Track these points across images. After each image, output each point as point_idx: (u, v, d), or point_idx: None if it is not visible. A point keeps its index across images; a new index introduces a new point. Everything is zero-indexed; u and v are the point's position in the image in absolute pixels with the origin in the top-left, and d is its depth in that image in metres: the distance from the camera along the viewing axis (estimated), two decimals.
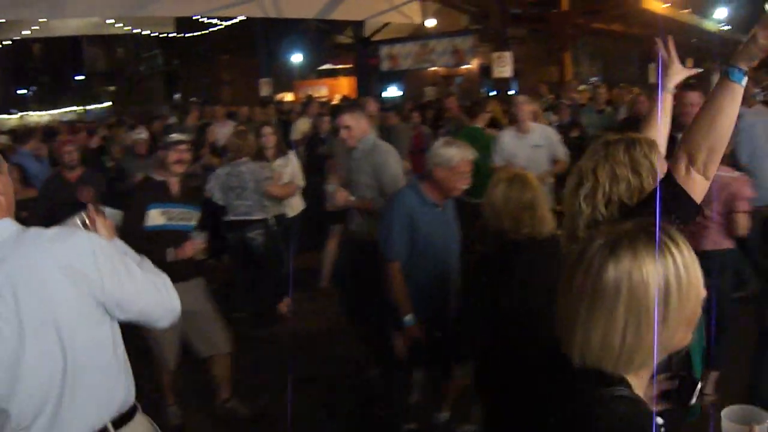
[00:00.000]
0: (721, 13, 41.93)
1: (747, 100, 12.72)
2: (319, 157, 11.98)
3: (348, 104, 15.61)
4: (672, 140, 3.63)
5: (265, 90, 29.61)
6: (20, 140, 12.45)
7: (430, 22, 29.83)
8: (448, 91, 24.32)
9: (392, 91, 39.11)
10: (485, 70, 30.25)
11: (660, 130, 3.89)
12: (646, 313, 2.02)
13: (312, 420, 7.22)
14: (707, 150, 3.01)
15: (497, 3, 23.35)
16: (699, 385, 2.58)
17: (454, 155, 5.96)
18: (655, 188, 3.14)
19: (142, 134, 10.69)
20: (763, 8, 3.07)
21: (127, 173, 9.94)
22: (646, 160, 3.33)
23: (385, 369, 7.09)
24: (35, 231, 3.23)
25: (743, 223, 6.52)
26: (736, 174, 6.79)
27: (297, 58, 39.58)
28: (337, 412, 7.48)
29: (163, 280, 3.63)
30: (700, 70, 4.25)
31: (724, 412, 2.52)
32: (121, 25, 27.66)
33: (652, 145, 3.43)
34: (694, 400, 2.55)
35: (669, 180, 3.08)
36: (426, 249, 6.14)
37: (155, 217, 6.74)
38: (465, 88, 33.98)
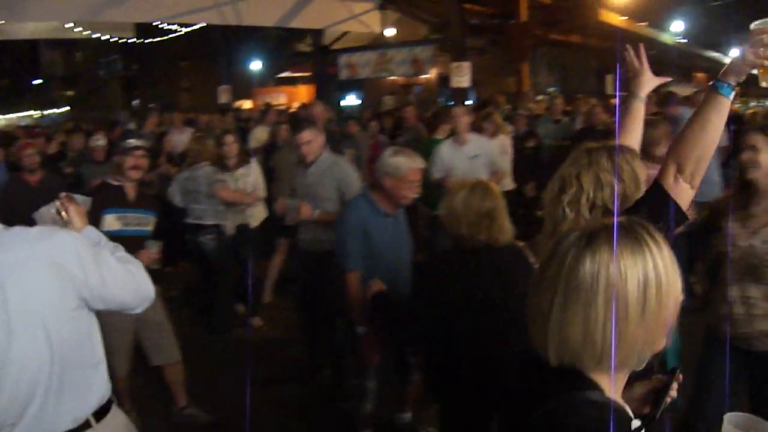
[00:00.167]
0: (678, 26, 42.35)
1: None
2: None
3: (302, 111, 15.61)
4: None
5: (224, 97, 29.57)
6: None
7: (390, 32, 29.87)
8: (406, 101, 24.39)
9: (351, 100, 39.13)
10: (444, 79, 30.34)
11: (634, 138, 3.94)
12: (626, 307, 2.00)
13: (271, 425, 7.26)
14: (695, 160, 3.08)
15: (456, 13, 23.50)
16: (677, 380, 2.60)
17: (402, 164, 6.03)
18: (643, 196, 3.23)
19: (100, 141, 10.63)
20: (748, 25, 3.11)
21: (84, 179, 9.90)
22: (629, 167, 3.43)
23: (339, 375, 7.12)
24: (19, 229, 3.32)
25: None
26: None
27: (256, 65, 39.51)
28: (297, 417, 7.55)
29: (137, 266, 3.71)
30: (670, 78, 4.30)
31: (727, 417, 2.57)
32: (81, 29, 27.47)
33: (633, 152, 3.55)
34: (674, 395, 2.58)
35: (658, 188, 3.13)
36: (379, 258, 6.16)
37: (111, 223, 6.73)
38: (423, 97, 34.06)
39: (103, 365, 3.62)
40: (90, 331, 3.52)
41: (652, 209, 3.06)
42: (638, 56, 4.02)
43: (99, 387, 3.55)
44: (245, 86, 37.03)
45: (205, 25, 26.92)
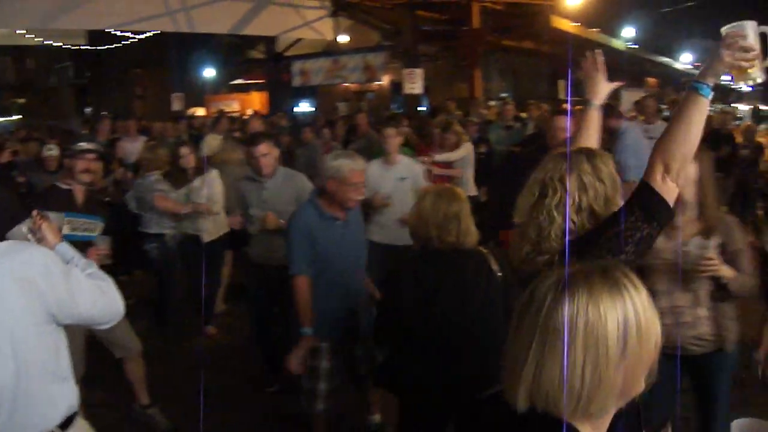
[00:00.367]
0: (629, 32, 42.74)
1: (649, 117, 13.13)
2: None
3: (254, 122, 15.56)
4: None
5: (176, 105, 29.44)
6: None
7: (343, 39, 29.89)
8: (358, 107, 24.45)
9: (304, 107, 39.12)
10: (396, 86, 30.41)
11: (591, 145, 3.98)
12: (605, 350, 1.98)
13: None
14: (681, 159, 3.17)
15: (409, 20, 23.61)
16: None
17: (343, 166, 6.08)
18: (633, 197, 3.26)
19: (52, 150, 10.58)
20: (720, 31, 3.19)
21: (36, 188, 9.86)
22: (606, 168, 3.48)
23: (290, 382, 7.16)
24: None
25: None
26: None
27: (209, 72, 39.36)
28: (253, 423, 7.63)
29: (108, 283, 3.77)
30: (623, 83, 4.39)
31: (734, 424, 2.64)
32: (32, 36, 27.26)
33: (606, 154, 3.60)
34: None
35: (647, 188, 3.20)
36: (327, 262, 6.23)
37: (59, 225, 6.69)
38: (376, 104, 34.13)
39: (71, 379, 3.66)
40: (57, 345, 3.56)
41: (645, 209, 3.17)
42: (595, 62, 4.11)
43: (65, 400, 3.59)
44: (198, 93, 36.87)
45: (158, 32, 26.82)
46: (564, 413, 2.00)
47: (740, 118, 32.46)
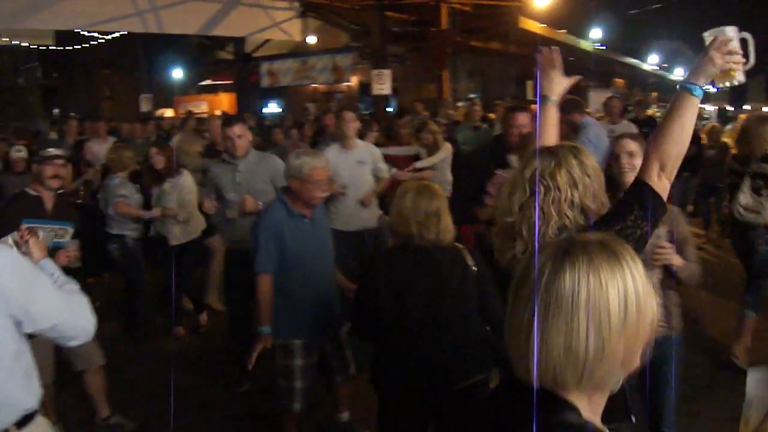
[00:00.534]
0: (596, 33, 42.93)
1: (614, 117, 13.26)
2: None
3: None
4: None
5: (145, 106, 29.34)
6: None
7: (311, 39, 29.89)
8: (326, 108, 24.44)
9: (273, 108, 39.06)
10: (365, 87, 30.45)
11: (550, 142, 4.02)
12: (608, 319, 1.96)
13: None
14: (675, 157, 3.27)
15: (377, 21, 23.61)
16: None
17: (305, 165, 6.14)
18: (631, 194, 3.35)
19: (21, 152, 10.52)
20: (703, 37, 3.27)
21: (4, 190, 9.84)
22: (590, 162, 3.53)
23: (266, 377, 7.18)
24: None
25: None
26: None
27: (177, 73, 39.21)
28: (224, 423, 7.62)
29: (81, 302, 3.76)
30: (580, 77, 4.44)
31: (751, 373, 2.68)
32: None
33: (584, 148, 3.64)
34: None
35: (644, 185, 3.27)
36: (298, 261, 6.28)
37: None
38: (344, 105, 34.14)
39: (33, 378, 3.68)
40: (18, 344, 3.56)
41: (644, 208, 3.23)
42: (550, 57, 4.18)
43: (24, 399, 3.61)
44: (167, 94, 36.75)
45: (126, 33, 26.72)
46: (565, 386, 2.01)
47: (707, 119, 32.72)
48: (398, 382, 5.00)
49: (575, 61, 39.10)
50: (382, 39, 23.84)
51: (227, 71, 35.95)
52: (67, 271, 6.75)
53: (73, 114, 21.70)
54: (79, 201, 10.66)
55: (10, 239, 3.96)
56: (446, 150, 11.50)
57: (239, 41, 30.47)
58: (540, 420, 1.98)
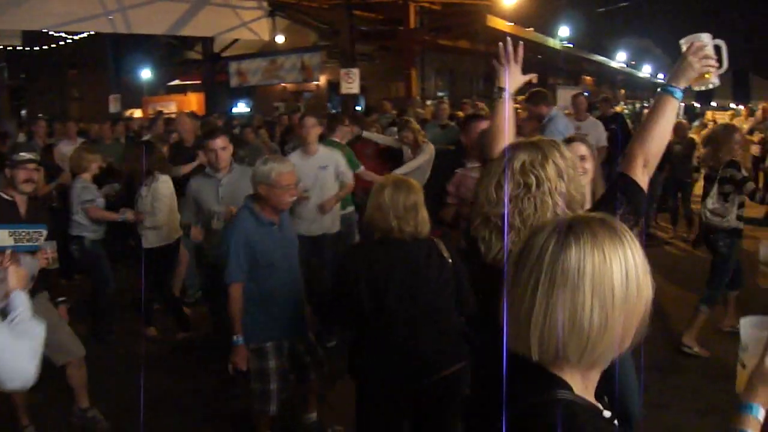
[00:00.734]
0: (564, 31, 43.08)
1: (580, 114, 13.35)
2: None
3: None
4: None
5: (113, 106, 29.21)
6: None
7: (279, 39, 29.85)
8: (295, 107, 24.46)
9: (241, 107, 38.99)
10: (333, 86, 30.44)
11: (504, 138, 4.09)
12: (611, 294, 2.00)
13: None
14: (657, 154, 3.44)
15: (346, 20, 23.63)
16: None
17: (273, 170, 6.22)
18: (618, 189, 3.43)
19: None
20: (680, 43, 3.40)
21: None
22: (570, 154, 3.59)
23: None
24: None
25: None
26: None
27: (146, 73, 38.99)
28: (196, 423, 7.67)
29: (30, 347, 3.73)
30: (534, 75, 4.51)
31: (744, 321, 2.74)
32: None
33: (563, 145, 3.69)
34: None
35: (630, 180, 3.40)
36: (266, 266, 6.35)
37: (3, 239, 6.63)
38: (312, 104, 34.12)
39: None
40: None
41: (631, 200, 3.36)
42: (510, 51, 4.24)
43: None
44: (135, 95, 36.57)
45: (94, 33, 26.60)
46: (566, 358, 2.06)
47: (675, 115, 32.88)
48: (378, 373, 5.07)
49: (543, 59, 39.28)
50: (351, 38, 23.86)
51: (196, 71, 35.79)
52: (46, 272, 6.83)
53: (41, 115, 21.60)
54: (54, 205, 10.65)
55: None
56: (428, 152, 11.51)
57: (208, 41, 30.40)
58: (533, 397, 2.06)
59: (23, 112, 44.81)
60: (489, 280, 3.18)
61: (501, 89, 4.22)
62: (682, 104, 36.21)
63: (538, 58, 39.55)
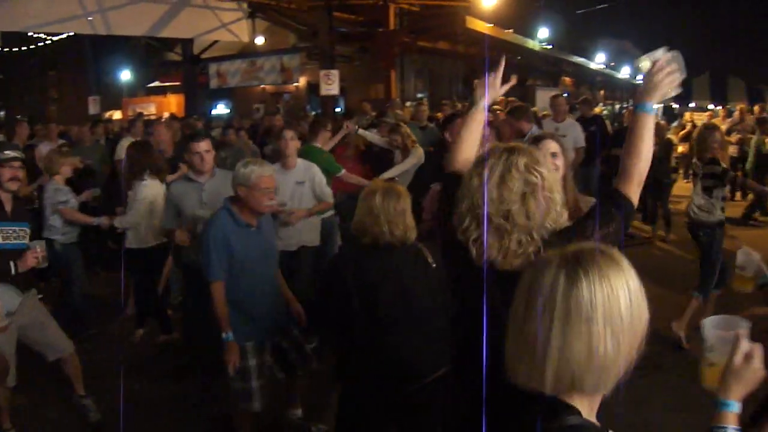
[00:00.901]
0: (543, 33, 43.17)
1: (559, 115, 13.44)
2: None
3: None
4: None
5: (93, 108, 29.13)
6: None
7: (259, 40, 29.82)
8: (274, 109, 24.44)
9: (221, 109, 38.95)
10: (313, 87, 30.43)
11: (474, 144, 4.16)
12: (620, 322, 2.14)
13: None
14: (645, 169, 3.61)
15: (325, 21, 23.63)
16: None
17: (252, 173, 6.28)
18: (613, 204, 3.55)
19: None
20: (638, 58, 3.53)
21: None
22: (545, 158, 3.79)
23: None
24: None
25: None
26: None
27: (125, 75, 38.92)
28: (178, 421, 7.72)
29: None
30: (513, 82, 4.55)
31: (706, 322, 2.82)
32: None
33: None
34: None
35: (623, 197, 3.55)
36: (243, 267, 6.40)
37: None
38: (292, 105, 34.12)
39: None
40: None
41: (624, 216, 3.53)
42: (493, 66, 4.37)
43: None
44: (115, 96, 36.51)
45: (73, 34, 26.53)
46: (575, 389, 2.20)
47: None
48: (368, 377, 5.11)
49: (523, 61, 39.35)
50: (330, 39, 23.88)
51: (175, 73, 35.72)
52: (34, 271, 6.86)
53: (20, 117, 21.56)
54: (35, 206, 10.65)
55: None
56: (416, 155, 11.52)
57: (187, 42, 30.37)
58: (545, 423, 2.19)
59: (2, 113, 44.62)
60: (479, 281, 3.31)
61: (477, 101, 4.27)
62: (661, 105, 36.45)
63: (517, 60, 39.65)
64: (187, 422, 7.72)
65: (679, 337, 9.19)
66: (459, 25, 25.25)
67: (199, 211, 7.90)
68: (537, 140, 5.43)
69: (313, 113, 23.83)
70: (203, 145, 7.91)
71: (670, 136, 18.70)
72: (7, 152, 6.96)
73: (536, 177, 3.47)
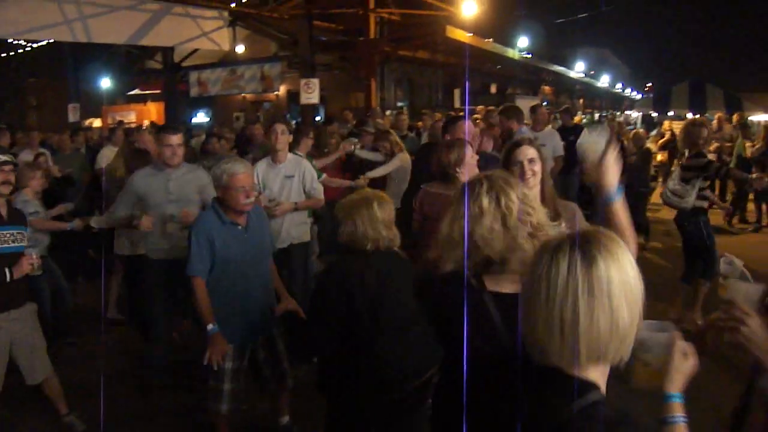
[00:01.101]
0: (523, 42, 43.33)
1: (537, 124, 13.57)
2: None
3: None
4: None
5: (73, 115, 29.04)
6: None
7: (240, 49, 29.84)
8: (255, 118, 24.45)
9: (201, 117, 38.91)
10: (293, 96, 30.46)
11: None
12: (633, 297, 2.39)
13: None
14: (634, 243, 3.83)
15: (306, 30, 23.63)
16: None
17: (227, 171, 6.35)
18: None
19: None
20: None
21: None
22: None
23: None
24: None
25: None
26: None
27: (106, 83, 38.77)
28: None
29: None
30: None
31: (644, 324, 2.98)
32: None
33: None
34: None
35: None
36: (226, 266, 6.45)
37: None
38: (272, 114, 34.13)
39: None
40: None
41: None
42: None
43: None
44: (95, 104, 36.41)
45: (53, 41, 26.47)
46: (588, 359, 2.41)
47: (633, 125, 33.22)
48: (363, 383, 5.09)
49: (502, 70, 39.48)
50: (311, 48, 23.87)
51: (155, 80, 35.68)
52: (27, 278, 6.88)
53: (1, 125, 21.48)
54: None
55: None
56: (400, 160, 11.59)
57: (168, 50, 30.30)
58: (575, 403, 2.37)
59: None
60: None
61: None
62: (639, 113, 36.55)
63: (497, 69, 39.79)
64: (168, 427, 7.78)
65: (696, 321, 9.45)
66: (439, 34, 25.34)
67: (166, 204, 7.93)
68: (515, 146, 5.52)
69: (294, 122, 23.85)
70: (176, 139, 7.95)
71: (649, 144, 18.83)
72: None
73: (511, 202, 3.51)
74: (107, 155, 13.54)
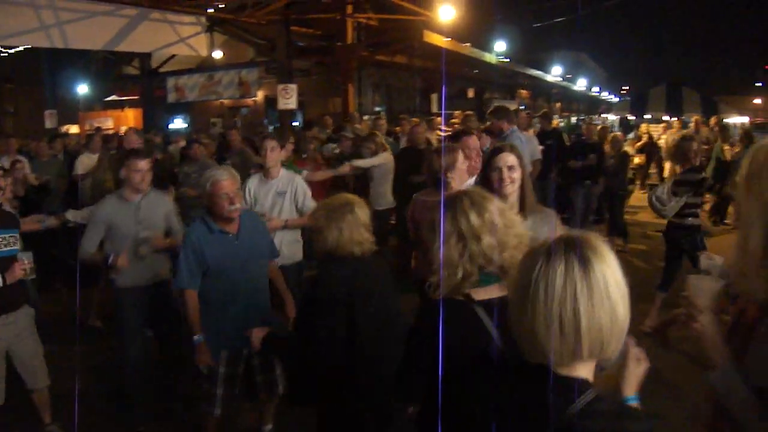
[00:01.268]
0: (500, 46, 43.39)
1: (523, 126, 13.64)
2: None
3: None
4: None
5: (49, 122, 28.95)
6: None
7: (217, 54, 29.83)
8: (232, 124, 24.45)
9: (178, 123, 38.85)
10: (271, 101, 30.47)
11: None
12: (624, 294, 2.50)
13: None
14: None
15: (283, 35, 23.66)
16: None
17: (210, 179, 6.37)
18: None
19: None
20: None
21: None
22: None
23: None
24: None
25: None
26: None
27: (83, 89, 38.64)
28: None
29: None
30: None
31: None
32: None
33: None
34: None
35: None
36: (218, 274, 6.44)
37: None
38: (250, 119, 34.13)
39: None
40: None
41: None
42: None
43: None
44: (72, 110, 36.28)
45: (30, 47, 26.39)
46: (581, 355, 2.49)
47: (611, 128, 33.42)
48: (357, 389, 5.09)
49: (480, 74, 39.51)
50: (288, 53, 23.89)
51: (133, 86, 35.64)
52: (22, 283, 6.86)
53: None
54: None
55: None
56: (385, 157, 11.70)
57: (145, 56, 30.29)
58: (575, 403, 2.46)
59: None
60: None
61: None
62: (617, 117, 36.73)
63: (474, 73, 39.83)
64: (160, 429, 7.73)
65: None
66: (416, 39, 25.36)
67: (136, 231, 7.69)
68: (495, 152, 5.54)
69: (271, 127, 23.86)
70: (144, 164, 7.70)
71: (627, 148, 18.90)
72: None
73: (491, 217, 3.57)
74: (85, 162, 13.51)
